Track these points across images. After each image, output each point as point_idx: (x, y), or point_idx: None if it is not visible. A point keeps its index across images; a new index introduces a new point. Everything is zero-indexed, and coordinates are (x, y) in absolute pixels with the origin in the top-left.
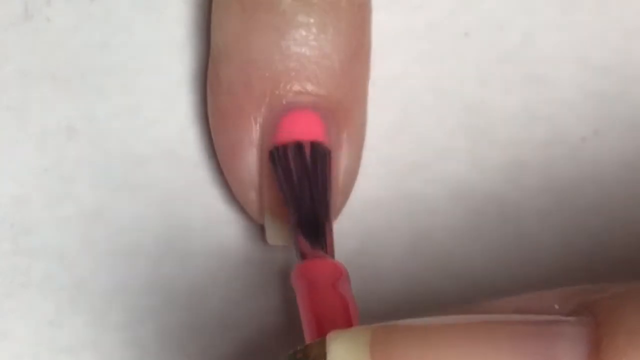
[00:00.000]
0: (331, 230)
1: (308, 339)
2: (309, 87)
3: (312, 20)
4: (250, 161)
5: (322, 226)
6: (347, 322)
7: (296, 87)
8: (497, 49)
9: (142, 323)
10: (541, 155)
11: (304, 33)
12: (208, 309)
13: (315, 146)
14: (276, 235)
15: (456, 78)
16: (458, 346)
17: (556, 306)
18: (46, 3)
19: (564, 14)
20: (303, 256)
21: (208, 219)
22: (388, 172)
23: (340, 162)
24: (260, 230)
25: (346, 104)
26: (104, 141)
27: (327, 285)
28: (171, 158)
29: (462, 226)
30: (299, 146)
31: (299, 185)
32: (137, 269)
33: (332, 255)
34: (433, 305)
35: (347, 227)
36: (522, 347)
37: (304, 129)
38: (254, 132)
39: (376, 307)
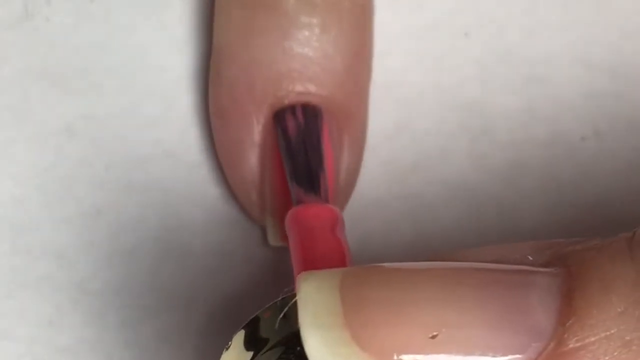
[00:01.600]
0: (325, 179)
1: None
2: (311, 88)
3: (314, 21)
4: (252, 162)
5: (315, 174)
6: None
7: (298, 88)
8: (497, 49)
9: (142, 323)
10: (541, 155)
11: (306, 33)
12: (208, 309)
13: (306, 106)
14: (277, 236)
15: (456, 78)
16: (429, 290)
17: (530, 257)
18: (46, 3)
19: (564, 14)
20: (298, 202)
21: (208, 219)
22: (388, 172)
23: (342, 162)
24: (260, 230)
25: (348, 104)
26: (104, 141)
27: (325, 230)
28: (171, 158)
29: (462, 226)
30: (293, 107)
31: (294, 141)
32: (137, 269)
33: (327, 201)
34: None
35: (347, 227)
36: (494, 295)
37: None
38: (256, 133)
39: None
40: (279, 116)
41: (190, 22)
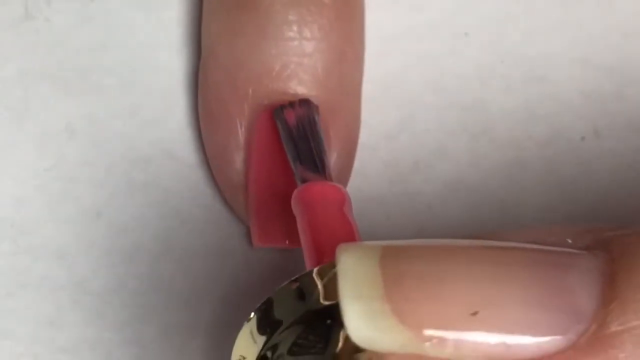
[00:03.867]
0: (329, 161)
1: (310, 264)
2: (291, 87)
3: (293, 19)
4: (237, 164)
5: (320, 155)
6: None
7: (279, 87)
8: (497, 49)
9: (141, 323)
10: (541, 154)
11: (285, 33)
12: (208, 309)
13: (303, 101)
14: (259, 237)
15: (456, 78)
16: (471, 267)
17: (569, 240)
18: (46, 3)
19: (564, 14)
20: (304, 181)
21: (208, 219)
22: (388, 171)
23: (329, 160)
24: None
25: (331, 102)
26: (104, 141)
27: (334, 208)
28: (171, 158)
29: (462, 225)
30: (291, 102)
31: (295, 128)
32: (137, 268)
33: (331, 179)
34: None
35: None
36: (536, 275)
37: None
38: (240, 135)
39: None
40: (277, 112)
41: (189, 23)
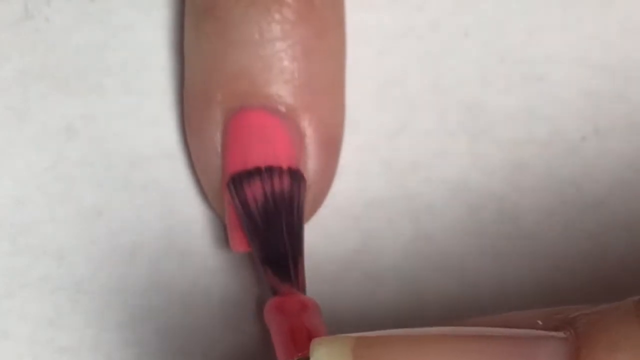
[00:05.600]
0: (302, 263)
1: None
2: (260, 88)
3: (254, 21)
4: (217, 169)
5: (294, 261)
6: None
7: (248, 90)
8: (497, 49)
9: (142, 323)
10: (541, 155)
11: (247, 35)
12: (208, 309)
13: (284, 172)
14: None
15: (456, 78)
16: (443, 356)
17: (539, 322)
18: (46, 3)
19: (564, 14)
20: (274, 292)
21: (208, 219)
22: (388, 172)
23: (307, 162)
24: None
25: (303, 100)
26: (104, 141)
27: (296, 319)
28: (171, 158)
29: (462, 226)
30: (262, 172)
31: (264, 219)
32: (137, 269)
33: (303, 288)
34: (416, 321)
35: (347, 227)
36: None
37: (257, 130)
38: (216, 141)
39: (376, 306)
40: (235, 184)
41: None
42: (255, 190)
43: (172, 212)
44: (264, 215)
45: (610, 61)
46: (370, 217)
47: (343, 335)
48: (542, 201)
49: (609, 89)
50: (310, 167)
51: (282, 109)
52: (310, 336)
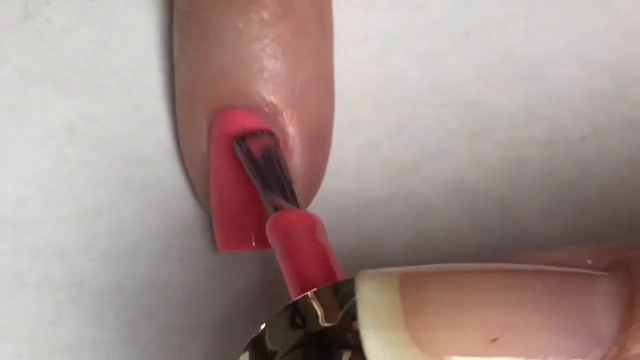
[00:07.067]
0: (296, 192)
1: (291, 289)
2: (242, 89)
3: (231, 22)
4: (206, 174)
5: (289, 184)
6: (329, 271)
7: (229, 90)
8: (497, 49)
9: (141, 323)
10: (541, 154)
11: (225, 36)
12: (208, 309)
13: (265, 131)
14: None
15: (456, 78)
16: (490, 293)
17: (589, 261)
18: (46, 3)
19: (564, 14)
20: (276, 209)
21: (207, 219)
22: (388, 171)
23: (294, 159)
24: None
25: (285, 99)
26: (104, 141)
27: (304, 234)
28: (171, 158)
29: (462, 225)
30: (252, 133)
31: (261, 159)
32: (137, 269)
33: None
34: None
35: (347, 226)
36: (556, 300)
37: (241, 127)
38: (202, 146)
39: None
40: (239, 142)
41: None
42: (253, 144)
43: (172, 212)
44: (262, 159)
45: (610, 61)
46: (370, 215)
47: (388, 269)
48: (542, 201)
49: (609, 89)
50: (297, 163)
51: (265, 108)
52: (326, 256)
